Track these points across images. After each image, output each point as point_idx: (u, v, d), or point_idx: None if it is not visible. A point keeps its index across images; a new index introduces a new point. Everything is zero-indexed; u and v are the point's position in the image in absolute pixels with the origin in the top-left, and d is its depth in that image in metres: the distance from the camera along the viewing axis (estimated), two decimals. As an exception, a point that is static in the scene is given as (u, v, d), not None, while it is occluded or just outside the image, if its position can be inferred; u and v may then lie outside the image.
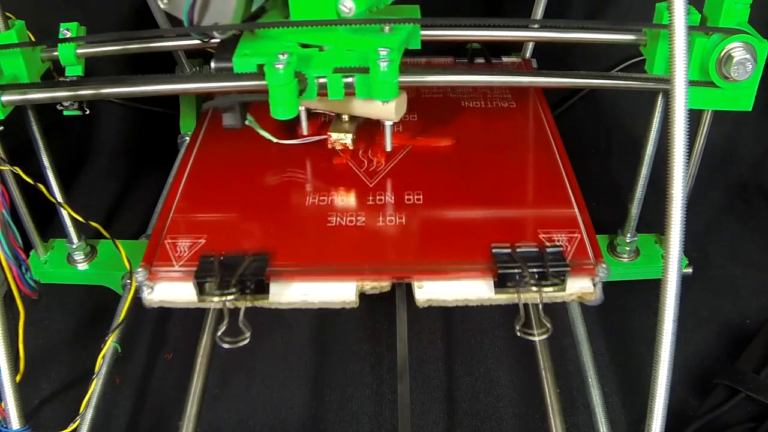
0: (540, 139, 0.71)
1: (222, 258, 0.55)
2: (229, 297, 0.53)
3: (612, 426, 0.57)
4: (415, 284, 0.55)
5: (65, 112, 0.64)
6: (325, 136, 0.68)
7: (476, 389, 0.65)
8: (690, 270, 0.70)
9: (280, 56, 0.51)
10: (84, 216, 0.65)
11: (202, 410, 0.58)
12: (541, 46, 0.88)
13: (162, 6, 0.53)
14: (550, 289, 0.54)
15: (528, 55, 0.88)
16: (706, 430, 0.61)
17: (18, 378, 0.58)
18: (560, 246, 0.56)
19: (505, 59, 0.88)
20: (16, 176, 0.62)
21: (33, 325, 0.71)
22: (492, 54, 0.87)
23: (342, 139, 0.68)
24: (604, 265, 0.55)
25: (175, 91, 0.60)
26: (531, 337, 0.54)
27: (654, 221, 0.69)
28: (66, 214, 0.67)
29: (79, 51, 0.62)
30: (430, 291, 0.55)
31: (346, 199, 0.63)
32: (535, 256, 0.55)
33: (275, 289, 0.55)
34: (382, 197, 0.63)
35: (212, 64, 0.56)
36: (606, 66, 0.93)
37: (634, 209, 0.68)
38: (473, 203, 0.62)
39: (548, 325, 0.54)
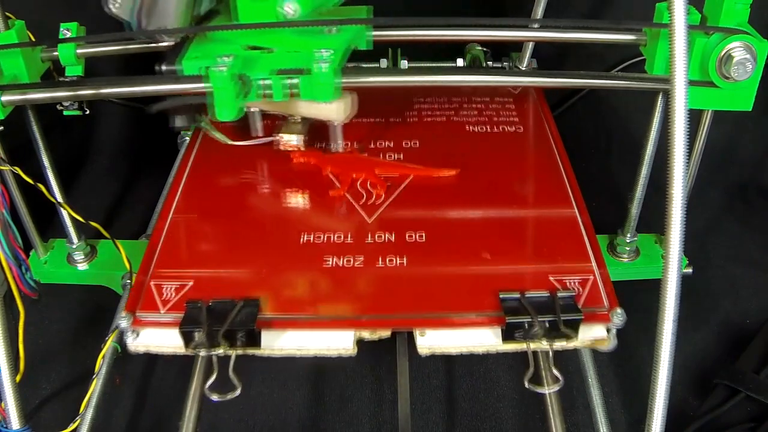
0: (551, 173, 0.67)
1: (210, 304, 0.52)
2: (218, 351, 0.50)
3: (612, 426, 0.57)
4: (417, 333, 0.52)
5: (65, 112, 0.64)
6: (272, 138, 0.67)
7: (476, 389, 0.65)
8: (690, 270, 0.70)
9: (224, 59, 0.51)
10: (84, 216, 0.65)
11: (202, 410, 0.58)
12: (541, 46, 0.88)
13: (113, 10, 0.53)
14: (563, 341, 0.50)
15: (528, 55, 0.88)
16: (706, 430, 0.61)
17: (18, 378, 0.58)
18: (572, 291, 0.53)
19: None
20: (16, 176, 0.62)
21: (33, 325, 0.70)
22: (493, 58, 0.87)
23: (292, 140, 0.67)
24: (619, 312, 0.51)
25: (175, 91, 0.60)
26: (540, 390, 0.53)
27: (654, 221, 0.69)
28: (66, 214, 0.67)
29: (79, 51, 0.62)
30: (432, 340, 0.52)
31: (343, 237, 0.59)
32: (546, 302, 0.51)
33: (267, 338, 0.51)
34: (382, 236, 0.59)
35: (160, 67, 0.56)
36: (606, 66, 0.93)
37: (634, 209, 0.68)
38: (479, 241, 0.58)
39: (560, 378, 0.51)
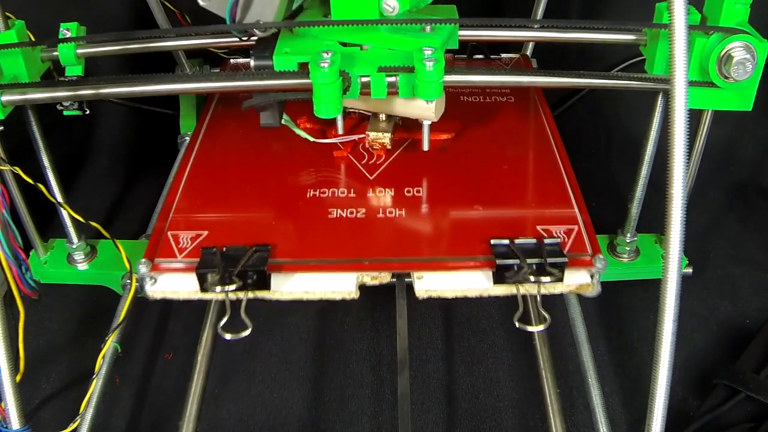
0: (540, 138, 0.71)
1: (224, 250, 0.55)
2: (231, 288, 0.53)
3: (612, 426, 0.57)
4: (415, 276, 0.55)
5: (65, 112, 0.64)
6: (361, 136, 0.68)
7: (476, 389, 0.65)
8: (690, 270, 0.71)
9: (325, 55, 0.51)
10: (84, 216, 0.65)
11: (202, 410, 0.58)
12: (541, 46, 0.88)
13: (202, 3, 0.53)
14: (548, 280, 0.54)
15: (528, 55, 0.88)
16: (706, 430, 0.61)
17: (18, 378, 0.58)
18: (558, 239, 0.57)
19: (504, 55, 0.88)
20: (16, 176, 0.62)
21: (33, 325, 0.71)
22: (491, 52, 0.87)
23: (380, 138, 0.68)
24: (601, 257, 0.55)
25: (175, 91, 0.60)
26: (529, 329, 0.55)
27: (654, 221, 0.69)
28: (66, 214, 0.67)
29: (79, 51, 0.62)
30: (429, 283, 0.55)
31: (347, 192, 0.64)
32: (534, 248, 0.55)
33: (276, 281, 0.55)
34: (382, 190, 0.64)
35: (252, 62, 0.56)
36: (606, 66, 0.93)
37: (634, 209, 0.68)
38: (473, 197, 0.63)
39: (547, 318, 0.54)
